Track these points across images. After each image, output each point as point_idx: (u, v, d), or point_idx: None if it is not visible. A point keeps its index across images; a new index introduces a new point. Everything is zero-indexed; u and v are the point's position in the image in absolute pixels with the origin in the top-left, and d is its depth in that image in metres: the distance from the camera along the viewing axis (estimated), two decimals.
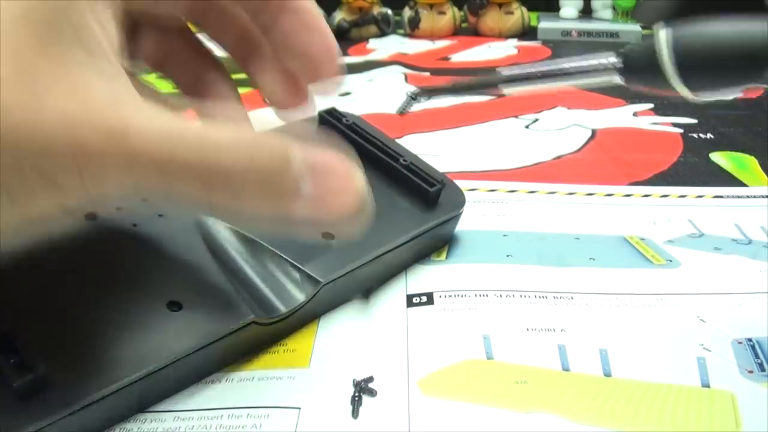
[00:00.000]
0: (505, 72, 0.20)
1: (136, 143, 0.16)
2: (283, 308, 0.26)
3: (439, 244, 0.34)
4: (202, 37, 0.25)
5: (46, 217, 0.17)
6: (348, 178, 0.19)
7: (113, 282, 0.25)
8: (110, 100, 0.16)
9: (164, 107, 0.17)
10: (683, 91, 0.18)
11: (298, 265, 0.28)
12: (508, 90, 0.20)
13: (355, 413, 0.23)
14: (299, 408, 0.24)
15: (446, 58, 0.84)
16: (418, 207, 0.32)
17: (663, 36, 0.18)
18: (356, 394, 0.24)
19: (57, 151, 0.16)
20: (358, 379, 0.25)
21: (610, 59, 0.19)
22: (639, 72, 0.19)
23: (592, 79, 0.19)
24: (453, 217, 0.33)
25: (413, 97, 0.21)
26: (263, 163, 0.18)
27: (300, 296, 0.27)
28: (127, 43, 0.19)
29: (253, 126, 0.22)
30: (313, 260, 0.28)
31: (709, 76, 0.18)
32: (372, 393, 0.24)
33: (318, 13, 0.23)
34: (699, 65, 0.17)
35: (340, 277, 0.28)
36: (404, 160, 0.33)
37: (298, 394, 0.24)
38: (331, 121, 0.35)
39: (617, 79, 0.19)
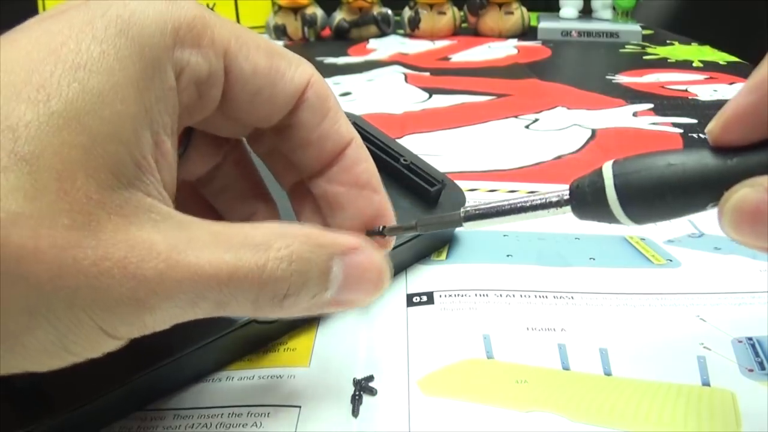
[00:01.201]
0: (468, 210, 0.22)
1: (195, 272, 0.17)
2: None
3: (439, 243, 0.34)
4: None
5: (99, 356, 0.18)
6: (379, 276, 0.21)
7: None
8: (165, 236, 0.17)
9: (212, 233, 0.18)
10: (627, 223, 0.19)
11: None
12: (469, 227, 0.22)
13: (355, 412, 0.23)
14: (299, 407, 0.24)
15: (446, 58, 0.84)
16: (418, 207, 0.32)
17: (607, 171, 0.19)
18: (356, 393, 0.24)
19: (116, 301, 0.16)
20: (359, 377, 0.25)
21: (563, 194, 0.20)
22: (587, 206, 0.20)
23: (545, 212, 0.20)
24: None
25: (382, 233, 0.23)
26: (309, 282, 0.19)
27: None
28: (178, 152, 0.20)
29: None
30: None
31: (652, 210, 0.19)
32: (372, 392, 0.24)
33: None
34: (641, 200, 0.19)
35: None
36: (405, 160, 0.33)
37: (298, 393, 0.24)
38: None
39: (569, 212, 0.20)
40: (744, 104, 0.18)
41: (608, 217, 0.19)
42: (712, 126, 0.19)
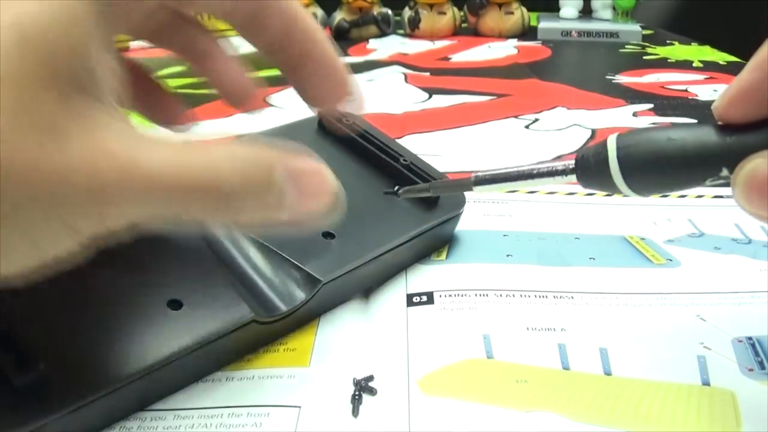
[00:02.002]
0: (478, 175, 0.23)
1: (148, 174, 0.18)
2: (283, 307, 0.26)
3: (439, 243, 0.34)
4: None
5: (64, 257, 0.18)
6: (322, 180, 0.22)
7: (114, 280, 0.25)
8: (121, 143, 0.18)
9: (163, 140, 0.19)
10: (628, 193, 0.20)
11: (299, 264, 0.28)
12: (479, 190, 0.23)
13: (355, 412, 0.23)
14: (299, 407, 0.24)
15: (446, 58, 0.84)
16: (418, 207, 0.32)
17: (611, 143, 0.20)
18: (356, 393, 0.24)
19: (78, 198, 0.17)
20: (359, 377, 0.25)
21: (568, 163, 0.21)
22: (591, 175, 0.21)
23: (551, 179, 0.22)
24: (453, 216, 0.33)
25: (396, 194, 0.23)
26: (254, 182, 0.20)
27: (300, 295, 0.27)
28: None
29: (254, 92, 0.26)
30: (314, 259, 0.28)
31: (652, 181, 0.20)
32: (372, 392, 0.24)
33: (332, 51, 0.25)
34: (641, 171, 0.19)
35: (340, 276, 0.28)
36: (404, 160, 0.33)
37: (298, 393, 0.24)
38: (331, 121, 0.35)
39: (574, 180, 0.21)
40: (747, 82, 0.19)
41: (610, 186, 0.20)
42: (717, 103, 0.19)
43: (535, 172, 0.22)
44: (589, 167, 0.20)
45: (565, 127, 0.55)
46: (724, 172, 0.18)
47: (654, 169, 0.19)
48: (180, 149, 0.19)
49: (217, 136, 0.24)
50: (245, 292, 0.26)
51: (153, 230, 0.20)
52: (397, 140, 0.36)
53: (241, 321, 0.25)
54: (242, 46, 0.26)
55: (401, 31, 1.00)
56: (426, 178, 0.32)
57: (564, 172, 0.21)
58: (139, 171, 0.18)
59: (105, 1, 0.19)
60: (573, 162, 0.21)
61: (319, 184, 0.22)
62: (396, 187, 0.23)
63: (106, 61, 0.19)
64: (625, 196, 0.20)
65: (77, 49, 0.18)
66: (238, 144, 0.20)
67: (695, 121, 0.55)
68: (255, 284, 0.27)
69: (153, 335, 0.24)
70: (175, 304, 0.25)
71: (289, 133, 0.36)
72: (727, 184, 0.19)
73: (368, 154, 0.34)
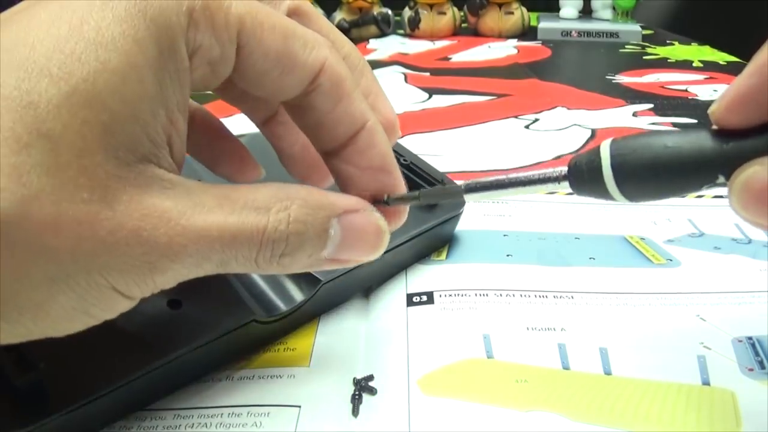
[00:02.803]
0: (469, 183, 0.22)
1: (204, 235, 0.18)
2: (283, 307, 0.26)
3: (439, 243, 0.34)
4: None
5: (114, 316, 0.19)
6: (372, 228, 0.22)
7: None
8: (176, 206, 0.18)
9: (217, 197, 0.19)
10: (622, 200, 0.20)
11: None
12: (470, 198, 0.22)
13: (355, 411, 0.23)
14: (299, 406, 0.24)
15: (446, 59, 0.84)
16: (418, 207, 0.32)
17: (604, 151, 0.19)
18: (356, 393, 0.24)
19: (129, 262, 0.17)
20: (359, 377, 0.25)
21: (561, 170, 0.21)
22: (584, 183, 0.20)
23: (544, 186, 0.21)
24: (453, 216, 0.33)
25: (386, 202, 0.23)
26: (306, 238, 0.20)
27: (300, 295, 0.27)
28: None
29: (320, 164, 0.23)
30: None
31: (647, 189, 0.19)
32: (372, 391, 0.24)
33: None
34: (636, 179, 0.19)
35: (340, 276, 0.28)
36: (404, 160, 0.33)
37: (298, 393, 0.24)
38: None
39: (567, 187, 0.21)
40: (745, 87, 0.19)
41: (603, 193, 0.20)
42: (714, 108, 0.19)
43: (527, 179, 0.21)
44: (582, 175, 0.20)
45: (565, 127, 0.55)
46: (721, 179, 0.18)
47: (649, 176, 0.19)
48: (233, 208, 0.19)
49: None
50: (245, 291, 0.26)
51: None
52: (398, 140, 0.36)
53: (241, 321, 0.25)
54: None
55: (401, 31, 1.00)
56: (426, 178, 0.32)
57: (557, 179, 0.21)
58: (194, 232, 0.18)
59: (175, 63, 0.18)
60: (566, 169, 0.20)
61: (374, 239, 0.22)
62: (386, 196, 0.23)
63: (172, 123, 0.19)
64: (619, 202, 0.20)
65: (140, 117, 0.18)
66: (292, 197, 0.20)
67: (695, 121, 0.55)
68: (255, 284, 0.27)
69: (153, 335, 0.24)
70: (175, 304, 0.25)
71: None
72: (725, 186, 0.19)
73: None
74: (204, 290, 0.25)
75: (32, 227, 0.16)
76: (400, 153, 0.34)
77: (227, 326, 0.25)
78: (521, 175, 0.21)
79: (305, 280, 0.27)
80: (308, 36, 0.21)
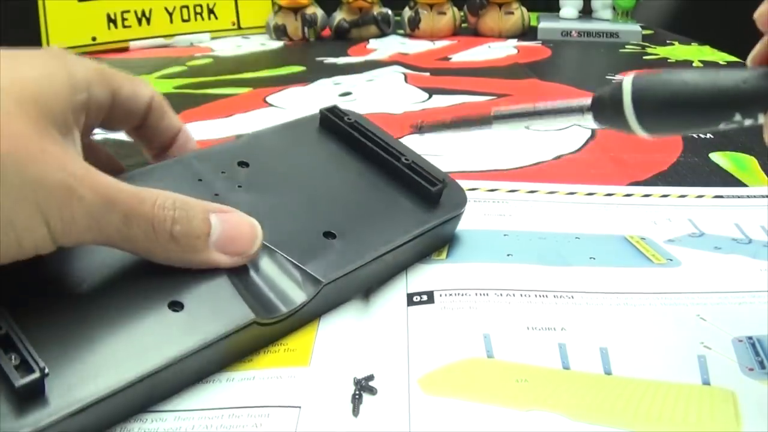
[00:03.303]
0: (498, 111, 0.24)
1: (114, 189, 0.23)
2: (284, 308, 0.26)
3: (440, 243, 0.34)
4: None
5: (32, 249, 0.22)
6: (247, 222, 0.27)
7: (114, 282, 0.25)
8: (95, 170, 0.23)
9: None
10: (641, 133, 0.20)
11: (300, 265, 0.28)
12: (498, 126, 0.24)
13: (355, 411, 0.23)
14: (299, 407, 0.24)
15: (446, 59, 0.84)
16: (419, 206, 0.32)
17: (626, 83, 0.20)
18: (357, 393, 0.24)
19: (54, 191, 0.22)
20: (359, 377, 0.25)
21: (584, 102, 0.22)
22: (606, 115, 0.21)
23: (568, 117, 0.22)
24: (455, 216, 0.33)
25: (419, 131, 0.24)
26: (191, 222, 0.25)
27: (301, 296, 0.27)
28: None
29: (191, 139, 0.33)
30: (315, 259, 0.28)
31: (665, 123, 0.20)
32: (372, 391, 0.24)
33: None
34: (655, 113, 0.20)
35: (341, 276, 0.28)
36: (406, 159, 0.33)
37: (298, 393, 0.24)
38: (333, 119, 0.35)
39: (590, 119, 0.22)
40: None
41: (624, 125, 0.20)
42: (760, 11, 0.19)
43: (552, 109, 0.22)
44: (605, 107, 0.21)
45: (565, 127, 0.55)
46: (737, 116, 0.18)
47: (667, 112, 0.19)
48: (134, 186, 0.24)
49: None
50: (246, 293, 0.26)
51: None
52: (399, 140, 0.36)
53: (242, 323, 0.25)
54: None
55: (401, 31, 1.00)
56: (428, 177, 0.32)
57: (581, 110, 0.22)
58: (104, 183, 0.23)
59: (76, 95, 0.25)
60: (589, 101, 0.21)
61: (250, 231, 0.27)
62: (420, 121, 0.24)
63: (77, 134, 0.25)
64: (638, 135, 0.20)
65: (63, 110, 0.24)
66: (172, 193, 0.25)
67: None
68: (255, 285, 0.27)
69: (154, 337, 0.24)
70: (176, 306, 0.25)
71: (291, 130, 0.35)
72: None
73: (370, 153, 0.34)
74: (205, 292, 0.26)
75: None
76: (401, 152, 0.34)
77: (228, 328, 0.25)
78: (547, 105, 0.23)
79: (306, 280, 0.27)
80: (138, 79, 0.30)
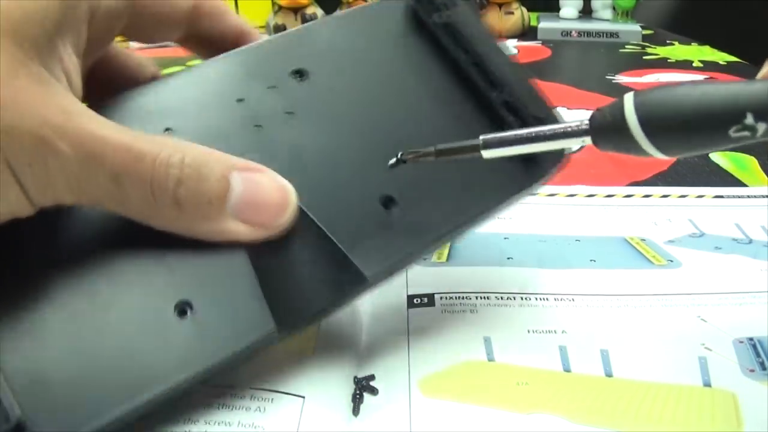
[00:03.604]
0: (487, 138, 0.21)
1: (100, 139, 0.19)
2: (310, 316, 0.22)
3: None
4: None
5: (6, 213, 0.19)
6: (278, 187, 0.22)
7: (107, 266, 0.20)
8: (76, 107, 0.19)
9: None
10: (648, 148, 0.19)
11: (343, 249, 0.22)
12: (488, 154, 0.21)
13: (356, 411, 0.23)
14: (303, 397, 0.23)
15: None
16: (511, 163, 0.24)
17: (627, 99, 0.19)
18: (357, 392, 0.24)
19: (27, 143, 0.18)
20: (360, 376, 0.25)
21: (582, 121, 0.19)
22: (608, 136, 0.19)
23: (565, 140, 0.20)
24: (545, 176, 0.26)
25: (403, 161, 0.22)
26: (202, 183, 0.20)
27: (335, 301, 0.22)
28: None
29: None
30: (363, 243, 0.22)
31: (673, 135, 0.18)
32: (373, 391, 0.24)
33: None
34: (662, 123, 0.18)
35: (391, 269, 0.23)
36: (501, 92, 0.25)
37: (299, 391, 0.24)
38: (420, 15, 0.26)
39: (588, 141, 0.20)
40: None
41: (629, 143, 0.19)
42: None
43: (547, 133, 0.20)
44: (606, 128, 0.19)
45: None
46: (750, 118, 0.17)
47: (676, 122, 0.18)
48: (132, 133, 0.20)
49: None
50: (267, 285, 0.21)
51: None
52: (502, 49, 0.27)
53: (261, 336, 0.21)
54: None
55: None
56: (526, 120, 0.25)
57: (578, 133, 0.19)
58: (89, 132, 0.19)
59: (75, 11, 0.20)
60: (587, 122, 0.19)
61: (280, 199, 0.22)
62: (400, 153, 0.21)
63: (68, 58, 0.20)
64: (644, 155, 0.19)
65: (45, 26, 0.19)
66: (188, 144, 0.21)
67: None
68: (281, 274, 0.22)
69: (154, 356, 0.20)
70: (184, 307, 0.20)
71: (367, 18, 0.27)
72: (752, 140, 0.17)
73: (461, 74, 0.26)
74: (219, 283, 0.21)
75: None
76: (501, 79, 0.25)
77: (244, 343, 0.20)
78: (541, 128, 0.20)
79: (347, 274, 0.22)
80: None
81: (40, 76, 0.19)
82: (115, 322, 0.20)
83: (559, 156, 0.26)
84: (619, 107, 0.19)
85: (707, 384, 0.24)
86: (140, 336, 0.20)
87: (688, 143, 0.18)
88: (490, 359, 0.26)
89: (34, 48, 0.19)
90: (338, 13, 0.28)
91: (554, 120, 0.26)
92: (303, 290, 0.22)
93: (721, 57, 0.80)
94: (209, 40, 0.26)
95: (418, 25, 0.26)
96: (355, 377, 0.25)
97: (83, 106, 0.19)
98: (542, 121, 0.24)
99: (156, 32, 0.25)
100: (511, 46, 0.91)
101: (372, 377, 0.25)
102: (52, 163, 0.18)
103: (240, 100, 0.23)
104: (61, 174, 0.19)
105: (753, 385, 0.24)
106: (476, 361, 0.26)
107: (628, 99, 0.19)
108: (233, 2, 1.02)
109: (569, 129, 0.20)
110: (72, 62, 0.21)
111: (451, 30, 0.26)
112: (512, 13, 0.97)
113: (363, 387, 0.24)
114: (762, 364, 0.25)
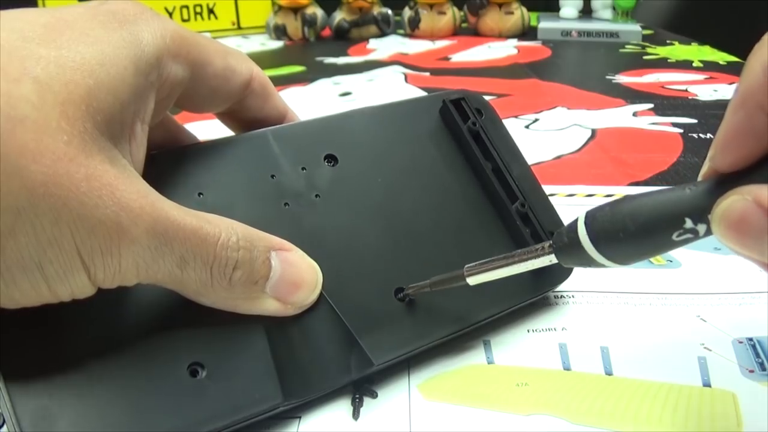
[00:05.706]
0: (469, 267, 0.23)
1: (172, 221, 0.19)
2: (317, 392, 0.23)
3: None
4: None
5: (68, 296, 0.18)
6: (308, 266, 0.23)
7: (131, 329, 0.21)
8: (149, 191, 0.19)
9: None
10: (608, 264, 0.20)
11: (354, 335, 0.23)
12: (473, 281, 0.23)
13: (355, 414, 0.23)
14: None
15: (446, 58, 0.84)
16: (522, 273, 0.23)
17: (580, 218, 0.20)
18: (357, 396, 0.24)
19: (101, 228, 0.18)
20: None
21: (546, 244, 0.21)
22: (567, 252, 0.21)
23: (534, 261, 0.22)
24: (548, 290, 0.28)
25: (406, 294, 0.25)
26: (252, 264, 0.21)
27: (341, 379, 0.23)
28: None
29: None
30: (374, 332, 0.23)
31: (623, 244, 0.19)
32: (373, 395, 0.24)
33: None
34: (607, 234, 0.19)
35: (398, 358, 0.24)
36: (521, 205, 0.27)
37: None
38: (454, 118, 0.28)
39: (554, 259, 0.21)
40: (732, 124, 0.18)
41: (587, 260, 0.20)
42: (711, 153, 0.18)
43: (519, 258, 0.22)
44: (564, 245, 0.21)
45: (565, 127, 0.55)
46: (688, 222, 0.18)
47: (623, 233, 0.19)
48: (192, 213, 0.20)
49: None
50: (279, 355, 0.22)
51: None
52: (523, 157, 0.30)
53: (268, 406, 0.21)
54: None
55: (401, 31, 1.00)
56: (538, 232, 0.27)
57: (545, 253, 0.21)
58: (161, 214, 0.19)
59: (146, 78, 0.20)
60: (550, 242, 0.21)
61: (311, 277, 0.23)
62: (401, 289, 0.24)
63: (135, 126, 0.20)
64: (602, 267, 0.20)
65: (118, 95, 0.19)
66: (236, 223, 0.21)
67: (695, 121, 0.55)
68: (293, 347, 0.22)
69: (167, 409, 0.20)
70: (197, 368, 0.21)
71: (401, 117, 0.28)
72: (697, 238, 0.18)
73: (483, 180, 0.28)
74: (233, 350, 0.22)
75: (13, 148, 0.16)
76: (521, 190, 0.28)
77: (251, 411, 0.21)
78: (514, 254, 0.22)
79: (355, 358, 0.23)
80: (237, 52, 0.25)
81: (113, 154, 0.19)
82: (131, 376, 0.20)
83: (569, 270, 0.28)
84: (573, 229, 0.20)
85: (707, 384, 0.24)
86: (151, 389, 0.20)
87: (638, 252, 0.19)
88: (490, 362, 0.26)
89: (105, 122, 0.18)
90: (377, 105, 0.28)
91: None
92: (313, 366, 0.23)
93: (721, 57, 0.80)
94: (251, 119, 0.26)
95: (448, 128, 0.28)
96: (355, 381, 0.25)
97: (151, 188, 0.19)
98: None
99: (208, 103, 0.25)
100: (512, 45, 0.91)
101: (372, 380, 0.25)
102: (126, 251, 0.18)
103: (273, 176, 0.24)
104: (132, 260, 0.18)
105: (752, 386, 0.24)
106: (476, 365, 0.26)
107: (580, 220, 0.20)
108: (233, 3, 1.02)
109: (537, 251, 0.22)
110: (140, 131, 0.21)
111: (478, 136, 0.28)
112: (512, 13, 0.97)
113: (363, 390, 0.24)
114: (761, 364, 0.25)
